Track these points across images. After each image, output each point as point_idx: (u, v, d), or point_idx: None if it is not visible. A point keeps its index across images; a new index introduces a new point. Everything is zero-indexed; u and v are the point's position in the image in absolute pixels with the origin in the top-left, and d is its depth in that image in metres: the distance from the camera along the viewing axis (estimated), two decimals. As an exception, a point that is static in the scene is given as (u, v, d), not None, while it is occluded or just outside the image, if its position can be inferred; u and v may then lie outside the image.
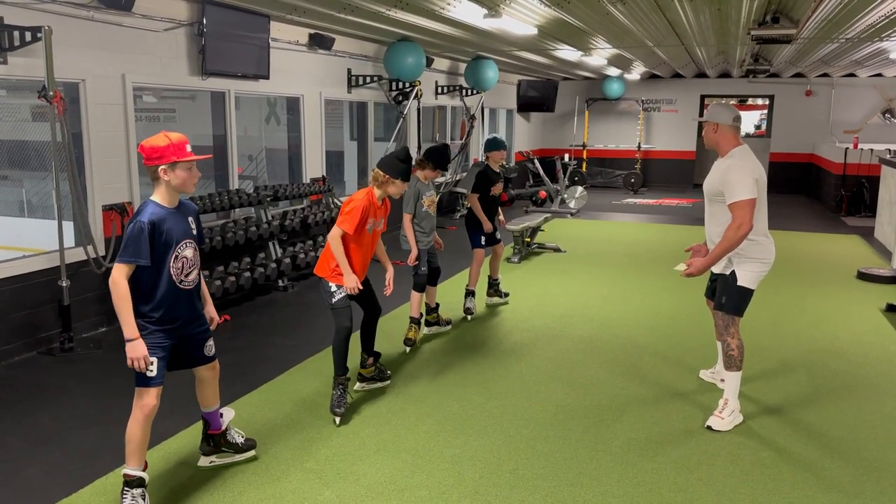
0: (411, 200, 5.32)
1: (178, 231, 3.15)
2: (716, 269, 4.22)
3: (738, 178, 3.88)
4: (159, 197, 3.15)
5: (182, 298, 3.19)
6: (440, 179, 12.32)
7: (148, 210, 3.09)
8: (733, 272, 4.04)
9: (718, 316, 4.14)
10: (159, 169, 3.08)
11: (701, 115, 17.34)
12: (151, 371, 3.10)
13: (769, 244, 4.08)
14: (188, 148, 3.14)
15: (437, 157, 5.35)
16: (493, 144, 6.41)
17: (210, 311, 3.49)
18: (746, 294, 4.05)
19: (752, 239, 3.96)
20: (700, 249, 4.36)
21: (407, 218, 5.33)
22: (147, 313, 3.11)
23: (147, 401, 3.12)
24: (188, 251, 3.21)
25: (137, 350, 3.02)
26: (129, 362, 3.04)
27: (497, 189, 6.34)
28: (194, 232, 3.28)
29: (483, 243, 6.29)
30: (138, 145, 3.14)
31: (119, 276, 3.01)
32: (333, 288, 4.19)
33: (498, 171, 6.39)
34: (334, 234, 4.11)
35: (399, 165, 4.26)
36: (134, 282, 3.08)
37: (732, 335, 4.06)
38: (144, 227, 3.02)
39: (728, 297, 4.07)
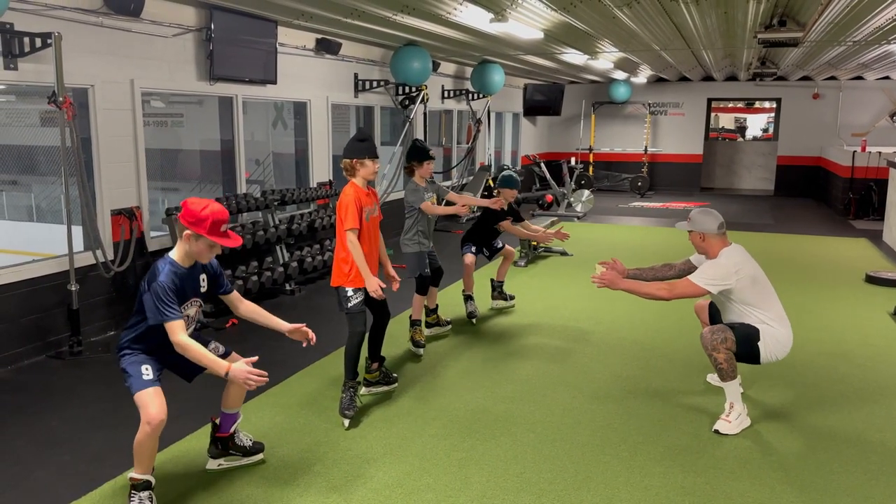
0: (420, 192, 5.22)
1: (188, 290, 3.23)
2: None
3: (710, 268, 4.03)
4: (178, 255, 3.20)
5: (170, 349, 3.17)
6: (447, 184, 12.35)
7: (165, 271, 3.12)
8: (758, 330, 4.04)
9: (714, 329, 4.09)
10: (185, 232, 3.14)
11: (708, 119, 17.33)
12: (147, 374, 3.14)
13: (788, 336, 4.11)
14: (223, 228, 3.17)
15: (413, 151, 5.28)
16: (506, 182, 6.35)
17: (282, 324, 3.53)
18: (755, 353, 4.05)
19: (769, 325, 4.04)
20: (618, 268, 4.36)
21: (426, 204, 5.19)
22: (132, 345, 3.20)
23: (154, 414, 3.05)
24: (192, 310, 3.30)
25: (239, 373, 3.04)
26: (246, 387, 3.07)
27: (503, 225, 6.31)
28: (203, 289, 3.34)
29: (473, 251, 6.25)
30: (184, 204, 3.18)
31: (179, 338, 3.06)
32: (350, 292, 4.19)
33: (506, 208, 6.37)
34: (350, 238, 4.10)
35: (359, 146, 4.24)
36: (135, 321, 3.19)
37: (719, 350, 4.01)
38: (167, 287, 3.07)
39: (741, 330, 4.05)
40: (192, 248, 3.16)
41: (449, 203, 5.53)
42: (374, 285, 4.14)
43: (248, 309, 3.52)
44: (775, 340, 4.06)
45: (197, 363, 3.12)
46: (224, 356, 3.45)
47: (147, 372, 3.14)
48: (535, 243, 9.15)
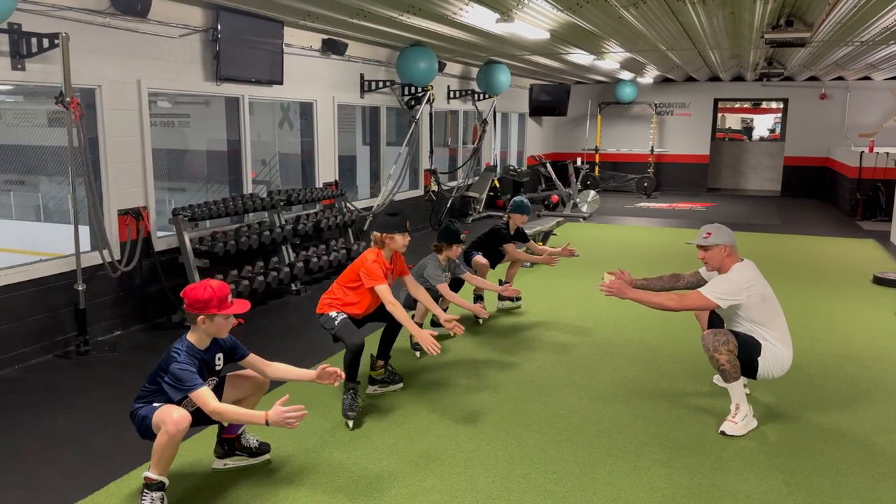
0: (438, 271, 5.30)
1: (205, 371, 3.27)
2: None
3: (721, 283, 4.01)
4: (194, 339, 3.26)
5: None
6: (452, 183, 12.36)
7: (183, 353, 3.17)
8: (760, 345, 4.03)
9: (716, 331, 4.08)
10: (198, 318, 3.19)
11: (714, 119, 17.27)
12: (159, 404, 3.18)
13: (789, 357, 4.09)
14: (230, 298, 3.23)
15: (446, 234, 5.39)
16: (517, 207, 6.37)
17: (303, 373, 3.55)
18: (753, 366, 4.04)
19: (773, 344, 4.02)
20: (625, 278, 4.34)
21: (443, 287, 5.23)
22: (148, 396, 3.24)
23: (177, 418, 3.06)
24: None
25: (278, 418, 3.05)
26: (288, 427, 3.09)
27: (507, 248, 6.32)
28: (218, 367, 3.38)
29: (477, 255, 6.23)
30: (184, 295, 3.23)
31: (213, 406, 3.10)
32: (333, 314, 4.26)
33: (513, 233, 6.38)
34: (384, 292, 4.21)
35: (390, 220, 4.37)
36: (146, 393, 3.24)
37: (720, 352, 3.98)
38: (187, 363, 3.13)
39: (744, 338, 4.03)
40: (210, 329, 3.23)
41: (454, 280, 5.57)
42: (426, 339, 4.04)
43: (276, 370, 3.56)
44: (775, 359, 4.05)
45: (237, 423, 3.22)
46: (220, 383, 3.49)
47: (159, 404, 3.18)
48: (540, 244, 9.10)
